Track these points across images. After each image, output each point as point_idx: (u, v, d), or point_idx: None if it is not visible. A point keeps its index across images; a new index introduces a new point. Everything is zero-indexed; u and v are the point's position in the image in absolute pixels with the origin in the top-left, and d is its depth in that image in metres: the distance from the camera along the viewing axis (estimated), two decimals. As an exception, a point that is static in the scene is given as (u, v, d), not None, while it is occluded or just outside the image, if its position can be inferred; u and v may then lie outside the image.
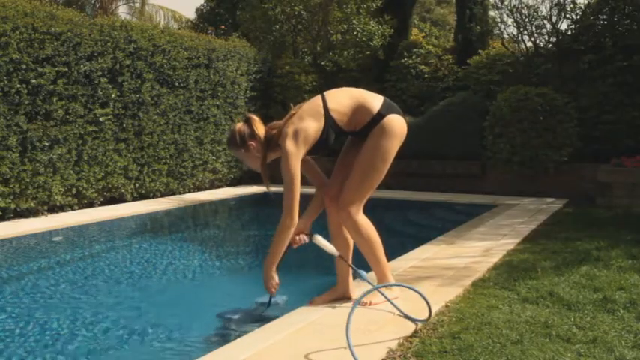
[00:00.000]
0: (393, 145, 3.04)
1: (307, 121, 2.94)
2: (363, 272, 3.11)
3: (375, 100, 3.05)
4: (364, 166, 3.04)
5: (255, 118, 3.06)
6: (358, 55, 10.56)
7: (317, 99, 3.05)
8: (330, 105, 2.99)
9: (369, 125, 3.02)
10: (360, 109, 3.01)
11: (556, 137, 7.89)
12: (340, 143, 3.26)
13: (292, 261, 4.41)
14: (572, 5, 8.68)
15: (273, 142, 3.00)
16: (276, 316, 3.03)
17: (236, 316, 3.23)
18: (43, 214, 6.42)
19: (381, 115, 3.01)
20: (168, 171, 8.11)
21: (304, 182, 3.15)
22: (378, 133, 3.01)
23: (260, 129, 3.03)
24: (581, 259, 4.16)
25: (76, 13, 6.95)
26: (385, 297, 3.04)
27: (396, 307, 2.98)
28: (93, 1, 17.07)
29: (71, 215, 6.50)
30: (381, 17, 10.39)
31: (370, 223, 3.13)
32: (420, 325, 2.82)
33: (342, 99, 3.03)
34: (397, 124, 3.04)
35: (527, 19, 8.89)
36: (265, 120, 3.15)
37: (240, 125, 3.06)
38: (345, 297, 3.22)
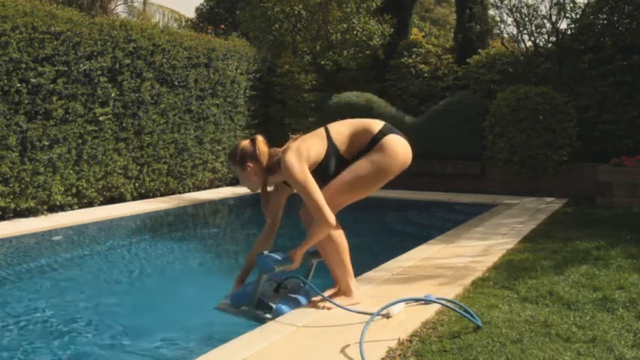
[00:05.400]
0: (391, 165, 2.99)
1: (311, 140, 3.00)
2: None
3: (375, 123, 3.07)
4: (352, 172, 2.98)
5: (260, 139, 3.07)
6: (358, 55, 10.56)
7: (319, 129, 3.10)
8: (332, 133, 3.03)
9: (369, 145, 3.00)
10: (360, 132, 3.04)
11: (556, 137, 7.90)
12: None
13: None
14: (572, 4, 8.68)
15: (276, 167, 3.00)
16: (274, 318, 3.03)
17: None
18: (42, 213, 6.41)
19: (382, 133, 3.01)
20: (167, 170, 8.10)
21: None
22: (377, 148, 2.98)
23: (263, 150, 3.02)
24: (581, 258, 4.16)
25: (76, 13, 6.94)
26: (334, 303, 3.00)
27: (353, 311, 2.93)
28: (91, 1, 17.04)
29: (71, 214, 6.50)
30: (381, 16, 10.39)
31: (340, 227, 3.04)
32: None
33: (343, 127, 3.08)
34: (399, 145, 3.02)
35: (526, 19, 8.89)
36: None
37: (245, 143, 3.07)
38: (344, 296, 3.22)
